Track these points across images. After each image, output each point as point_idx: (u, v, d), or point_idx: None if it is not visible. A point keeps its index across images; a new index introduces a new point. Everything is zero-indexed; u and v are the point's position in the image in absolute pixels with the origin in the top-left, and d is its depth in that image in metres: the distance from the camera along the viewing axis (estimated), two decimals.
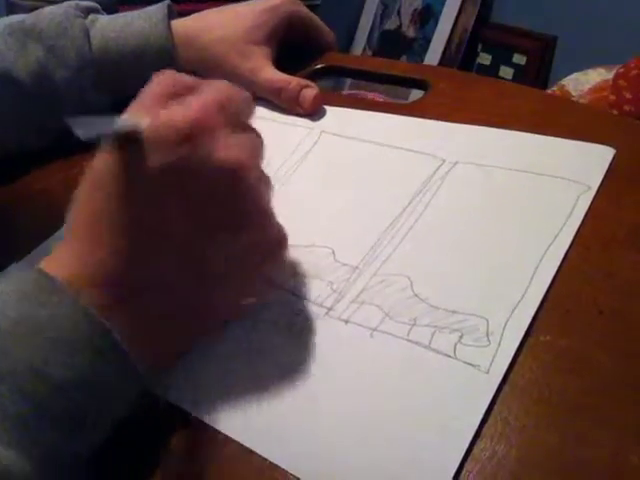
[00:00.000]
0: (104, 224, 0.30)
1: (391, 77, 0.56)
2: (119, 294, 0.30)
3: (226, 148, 0.30)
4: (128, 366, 0.28)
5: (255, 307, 0.35)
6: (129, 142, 0.30)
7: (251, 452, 0.29)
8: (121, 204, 0.30)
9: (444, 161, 0.43)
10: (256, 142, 0.33)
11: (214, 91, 0.32)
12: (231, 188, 0.31)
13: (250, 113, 0.35)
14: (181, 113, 0.30)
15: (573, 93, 1.22)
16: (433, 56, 1.90)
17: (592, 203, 0.37)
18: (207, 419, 0.31)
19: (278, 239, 0.34)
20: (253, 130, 0.34)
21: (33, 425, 0.25)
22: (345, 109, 0.51)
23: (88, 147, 0.36)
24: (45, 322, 0.27)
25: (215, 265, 0.32)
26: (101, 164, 0.31)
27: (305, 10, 0.58)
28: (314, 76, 0.57)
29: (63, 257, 0.31)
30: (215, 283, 0.32)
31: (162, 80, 0.33)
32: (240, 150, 0.31)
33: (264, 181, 0.34)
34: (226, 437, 0.30)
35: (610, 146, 0.41)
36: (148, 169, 0.29)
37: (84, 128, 0.28)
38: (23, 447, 0.24)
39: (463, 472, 0.27)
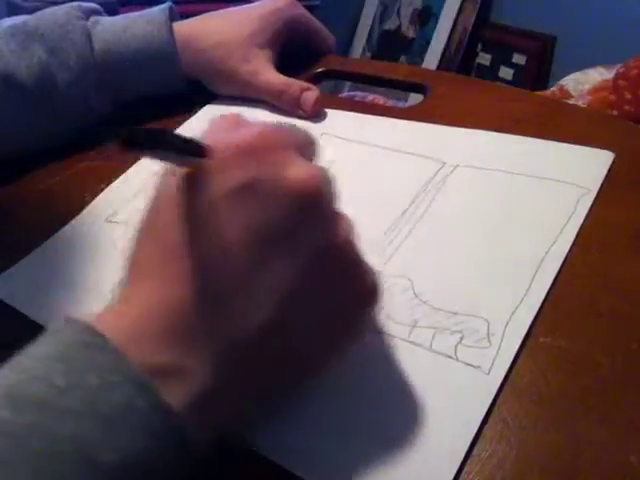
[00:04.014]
0: (168, 261, 0.25)
1: (391, 81, 0.56)
2: (188, 349, 0.24)
3: (297, 167, 0.26)
4: (189, 446, 0.24)
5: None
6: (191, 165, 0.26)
7: (252, 454, 0.29)
8: (190, 237, 0.25)
9: (445, 164, 0.43)
10: (326, 174, 0.27)
11: (272, 123, 0.29)
12: (309, 216, 0.26)
13: (314, 151, 0.30)
14: (241, 134, 0.27)
15: (573, 93, 1.22)
16: (433, 56, 1.90)
17: (592, 206, 0.38)
18: None
19: (372, 288, 0.29)
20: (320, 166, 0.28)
21: None
22: (346, 112, 0.51)
23: (90, 148, 0.36)
24: (95, 394, 0.22)
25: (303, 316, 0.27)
26: (166, 190, 0.27)
27: (306, 14, 0.58)
28: (314, 80, 0.57)
29: (121, 303, 0.26)
30: (304, 335, 0.27)
31: (224, 116, 0.29)
32: (314, 171, 0.26)
33: (344, 219, 0.28)
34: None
35: (610, 150, 0.41)
36: (212, 196, 0.25)
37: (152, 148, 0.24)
38: None
39: (463, 472, 0.27)
